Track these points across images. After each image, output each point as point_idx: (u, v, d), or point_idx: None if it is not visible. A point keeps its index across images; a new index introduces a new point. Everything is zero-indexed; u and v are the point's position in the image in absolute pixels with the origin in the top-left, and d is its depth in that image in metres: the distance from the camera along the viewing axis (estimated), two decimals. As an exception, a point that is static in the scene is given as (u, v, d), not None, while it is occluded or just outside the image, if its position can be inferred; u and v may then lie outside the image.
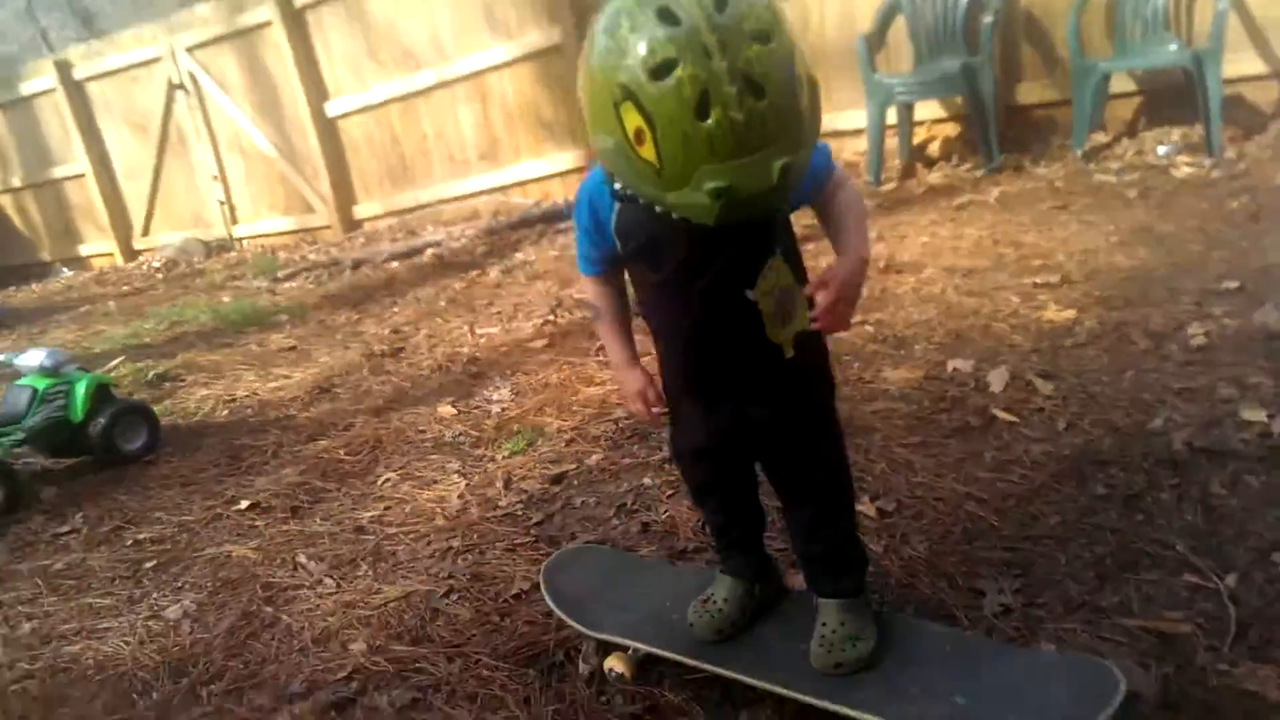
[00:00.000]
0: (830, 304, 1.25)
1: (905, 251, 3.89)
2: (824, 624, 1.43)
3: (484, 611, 1.88)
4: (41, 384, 3.08)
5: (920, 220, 4.32)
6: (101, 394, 3.18)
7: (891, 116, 5.19)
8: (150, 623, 2.14)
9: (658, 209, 1.14)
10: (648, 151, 1.02)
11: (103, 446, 3.12)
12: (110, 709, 1.82)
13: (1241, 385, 2.22)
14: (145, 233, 9.57)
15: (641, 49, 0.99)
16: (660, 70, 0.98)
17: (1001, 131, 4.99)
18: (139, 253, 9.61)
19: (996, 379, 2.49)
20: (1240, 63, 4.40)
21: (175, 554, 2.48)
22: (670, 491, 2.25)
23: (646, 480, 2.35)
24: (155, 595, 2.28)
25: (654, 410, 1.46)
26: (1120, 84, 4.81)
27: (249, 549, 2.41)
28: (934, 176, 5.02)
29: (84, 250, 10.23)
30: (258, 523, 2.57)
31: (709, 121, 0.99)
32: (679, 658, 1.50)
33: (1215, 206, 3.67)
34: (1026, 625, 1.55)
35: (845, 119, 5.53)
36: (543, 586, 1.76)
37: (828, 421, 1.45)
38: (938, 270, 3.57)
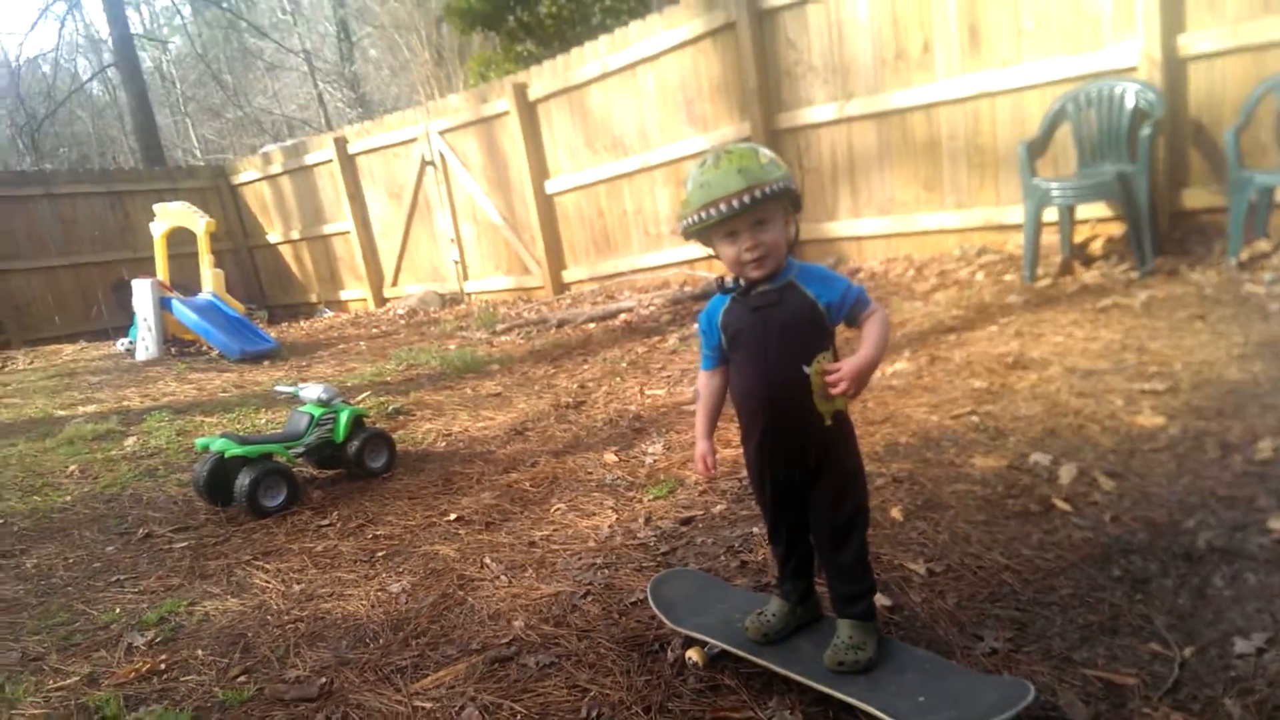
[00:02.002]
0: (839, 380, 1.82)
1: (1036, 349, 4.23)
2: (838, 636, 1.96)
3: (609, 610, 2.54)
4: (317, 412, 4.09)
5: (1061, 319, 4.61)
6: (358, 423, 4.16)
7: (1052, 215, 5.48)
8: (379, 593, 2.94)
9: (746, 303, 1.90)
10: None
11: (355, 463, 4.08)
12: (352, 646, 2.61)
13: (1283, 498, 2.50)
14: (394, 283, 11.19)
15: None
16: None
17: (1165, 233, 5.17)
18: (387, 300, 11.25)
19: (1066, 473, 2.87)
20: None
21: (399, 548, 3.31)
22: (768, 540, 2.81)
23: (754, 529, 2.92)
24: (384, 575, 3.09)
25: (709, 471, 2.10)
26: (1290, 194, 4.87)
27: (451, 549, 3.20)
28: (1090, 275, 5.25)
29: (343, 295, 12.05)
30: (460, 531, 3.37)
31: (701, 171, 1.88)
32: (737, 651, 2.08)
33: (1351, 326, 3.77)
34: (1005, 665, 2.00)
35: (1011, 214, 5.87)
36: (649, 593, 2.38)
37: (849, 480, 1.99)
38: (1060, 369, 3.90)
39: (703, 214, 1.82)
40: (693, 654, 2.18)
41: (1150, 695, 1.83)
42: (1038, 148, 5.44)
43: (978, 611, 2.24)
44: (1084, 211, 5.57)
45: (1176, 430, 3.07)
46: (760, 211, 1.82)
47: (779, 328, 1.88)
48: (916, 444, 3.37)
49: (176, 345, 8.43)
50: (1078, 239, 5.59)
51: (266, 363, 7.96)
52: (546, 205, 8.98)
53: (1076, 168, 5.42)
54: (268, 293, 13.15)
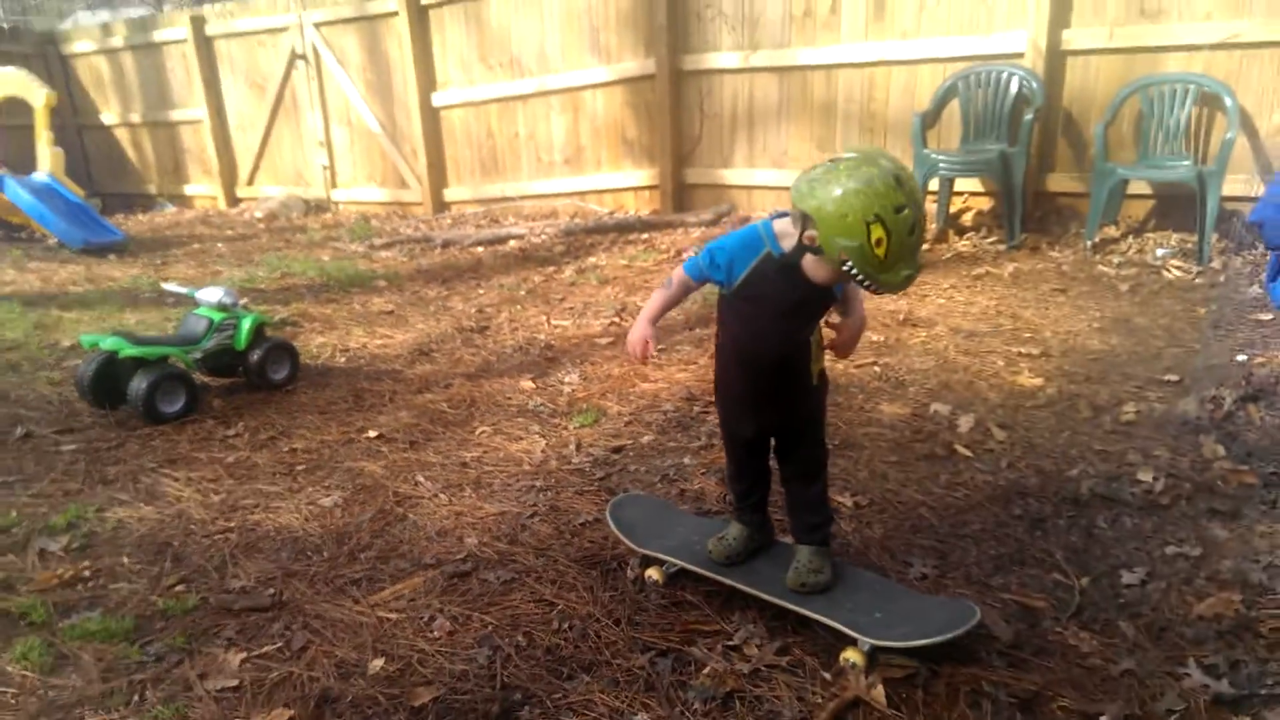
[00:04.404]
0: (843, 342, 2.02)
1: (923, 309, 4.59)
2: (798, 560, 2.16)
3: (560, 530, 2.64)
4: (217, 316, 3.89)
5: (942, 283, 5.01)
6: (260, 331, 3.98)
7: (934, 185, 5.88)
8: (310, 507, 2.91)
9: (784, 273, 1.90)
10: (880, 250, 1.73)
11: (256, 373, 3.92)
12: (294, 557, 2.59)
13: (1146, 454, 2.91)
14: (250, 183, 10.49)
15: (890, 197, 1.72)
16: (900, 210, 1.72)
17: (1028, 212, 5.67)
18: (241, 200, 10.54)
19: (965, 423, 3.20)
20: (1241, 184, 5.04)
21: (320, 463, 3.26)
22: (704, 470, 2.99)
23: (686, 460, 3.09)
24: (310, 489, 3.04)
25: (644, 357, 2.11)
26: (1139, 186, 5.46)
27: (378, 467, 3.18)
28: (962, 244, 5.70)
29: (188, 189, 11.17)
30: (383, 449, 3.34)
31: (913, 237, 1.75)
32: (699, 570, 2.24)
33: (1187, 309, 4.34)
34: (935, 588, 2.27)
35: (894, 180, 6.22)
36: (608, 515, 2.50)
37: (821, 428, 2.19)
38: (945, 329, 4.27)
39: (910, 274, 1.81)
40: (652, 573, 2.33)
41: (1059, 617, 2.14)
42: (929, 120, 5.80)
43: (904, 541, 2.50)
44: (961, 185, 6.00)
45: (1053, 391, 3.47)
46: None
47: (805, 305, 1.98)
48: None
49: (3, 228, 7.62)
50: (952, 210, 6.03)
51: (113, 257, 7.36)
52: (432, 119, 8.65)
53: (960, 143, 5.82)
54: (96, 178, 11.94)
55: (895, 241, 1.73)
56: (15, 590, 2.41)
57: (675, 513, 2.60)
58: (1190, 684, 1.88)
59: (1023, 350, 3.91)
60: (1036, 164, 5.70)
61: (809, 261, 1.87)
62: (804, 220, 1.81)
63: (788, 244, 1.90)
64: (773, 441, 2.23)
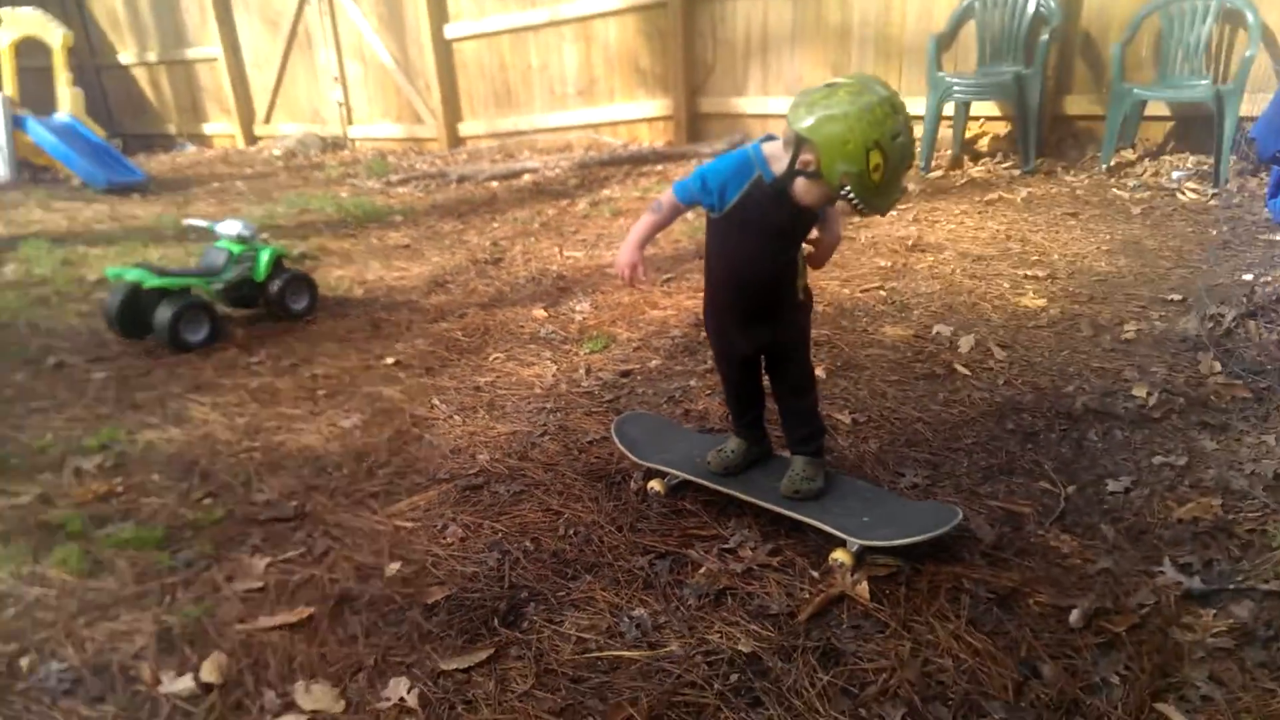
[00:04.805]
0: (820, 257, 2.13)
1: (933, 234, 4.61)
2: (792, 469, 2.26)
3: (568, 447, 2.76)
4: (236, 249, 3.99)
5: (953, 209, 5.01)
6: (278, 263, 4.09)
7: (950, 110, 5.82)
8: (330, 428, 3.04)
9: (773, 197, 1.95)
10: (877, 176, 1.80)
11: (276, 303, 4.04)
12: (316, 473, 2.72)
13: (1143, 371, 2.97)
14: (267, 121, 10.52)
15: (888, 123, 1.76)
16: (896, 136, 1.78)
17: (1044, 137, 5.61)
18: (259, 139, 10.59)
19: (965, 343, 3.26)
20: (1260, 103, 4.95)
21: (340, 388, 3.38)
22: (708, 392, 3.08)
23: (692, 383, 3.18)
24: (330, 412, 3.17)
25: (633, 280, 2.15)
26: (1156, 108, 5.38)
27: (395, 391, 3.30)
28: (976, 170, 5.67)
29: (207, 129, 11.23)
30: (400, 375, 3.46)
31: (904, 164, 1.83)
32: (698, 480, 2.35)
33: (1199, 230, 4.32)
34: (924, 495, 2.36)
35: (911, 105, 6.14)
36: (612, 431, 2.61)
37: (808, 341, 2.27)
38: (954, 254, 4.29)
39: (897, 197, 1.92)
40: (654, 484, 2.44)
41: (1043, 521, 2.23)
42: (944, 43, 5.72)
43: (898, 454, 2.59)
44: (977, 109, 5.93)
45: (1056, 311, 3.51)
46: None
47: (792, 220, 2.03)
48: (833, 313, 3.69)
49: (29, 170, 7.74)
50: (968, 135, 5.97)
51: (136, 196, 7.47)
52: (444, 51, 8.60)
53: (976, 66, 5.74)
54: (116, 119, 12.01)
55: (890, 168, 1.80)
56: (53, 504, 2.57)
57: (677, 429, 2.70)
58: (1163, 581, 1.97)
59: (1029, 273, 3.94)
60: (1053, 86, 5.62)
61: (800, 185, 1.92)
62: (798, 144, 1.85)
63: (779, 168, 1.94)
64: (763, 360, 2.30)
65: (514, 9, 8.04)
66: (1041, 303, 3.60)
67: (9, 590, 2.18)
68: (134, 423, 3.12)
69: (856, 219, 5.03)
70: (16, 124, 7.35)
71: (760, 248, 2.07)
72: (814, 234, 2.15)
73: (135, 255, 5.23)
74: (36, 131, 7.30)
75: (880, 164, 1.78)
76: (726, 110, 7.17)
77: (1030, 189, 5.19)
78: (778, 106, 6.90)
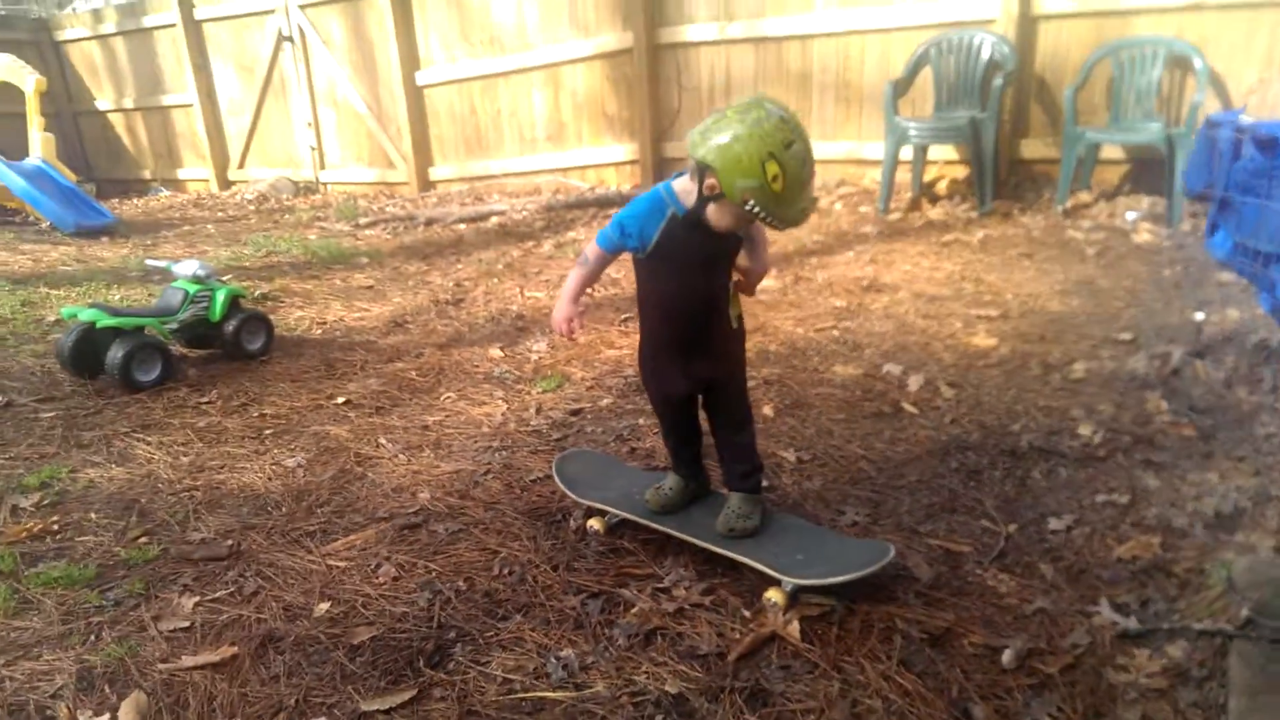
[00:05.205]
0: (749, 285, 2.13)
1: (888, 275, 4.65)
2: (728, 506, 2.24)
3: (510, 486, 2.73)
4: (192, 288, 3.97)
5: (910, 250, 5.06)
6: (234, 302, 4.06)
7: (909, 154, 5.91)
8: (274, 467, 3.00)
9: (691, 229, 1.98)
10: (778, 186, 1.81)
11: (232, 343, 4.00)
12: (255, 512, 2.68)
13: (1090, 409, 2.98)
14: (241, 166, 10.55)
15: (779, 134, 1.79)
16: (789, 145, 1.80)
17: (1002, 179, 5.70)
18: (233, 183, 10.60)
19: (914, 382, 3.27)
20: (1210, 149, 5.06)
21: (288, 427, 3.34)
22: (655, 430, 3.05)
23: (640, 421, 3.17)
24: (275, 451, 3.13)
25: (570, 334, 2.22)
26: (1111, 151, 5.49)
27: (343, 430, 3.27)
28: (935, 212, 5.75)
29: (182, 174, 11.24)
30: (350, 414, 3.43)
31: (805, 170, 1.84)
32: (636, 518, 2.32)
33: (1152, 271, 4.38)
34: (864, 533, 2.34)
35: (870, 149, 6.27)
36: (553, 469, 2.59)
37: (744, 371, 2.26)
38: (909, 294, 4.33)
39: (805, 207, 1.91)
40: (594, 523, 2.42)
41: (982, 560, 2.22)
42: (902, 88, 5.82)
43: (840, 492, 2.58)
44: (935, 152, 6.03)
45: (1006, 350, 3.53)
46: None
47: (718, 257, 2.08)
48: (785, 352, 3.70)
49: (-2, 213, 7.71)
50: (927, 178, 6.06)
51: (105, 239, 7.44)
52: (416, 97, 8.68)
53: (933, 111, 5.85)
54: (93, 164, 12.02)
55: (791, 176, 1.82)
56: (-16, 544, 2.51)
57: (619, 466, 2.68)
58: (1100, 620, 1.95)
59: (982, 313, 3.97)
60: (1010, 131, 5.74)
61: (712, 211, 1.94)
62: (701, 172, 1.88)
63: (690, 201, 1.97)
64: (701, 397, 2.29)
65: (484, 56, 8.14)
66: (992, 342, 3.63)
67: (-75, 634, 2.12)
68: (78, 461, 3.07)
69: (814, 259, 5.11)
70: (-15, 167, 7.34)
71: (688, 280, 2.08)
72: (743, 263, 2.16)
73: (98, 296, 5.19)
74: (6, 175, 7.28)
75: (778, 173, 1.81)
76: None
77: (987, 230, 5.26)
78: (743, 151, 6.99)
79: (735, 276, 2.17)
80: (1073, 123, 5.19)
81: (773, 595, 2.03)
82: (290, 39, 9.45)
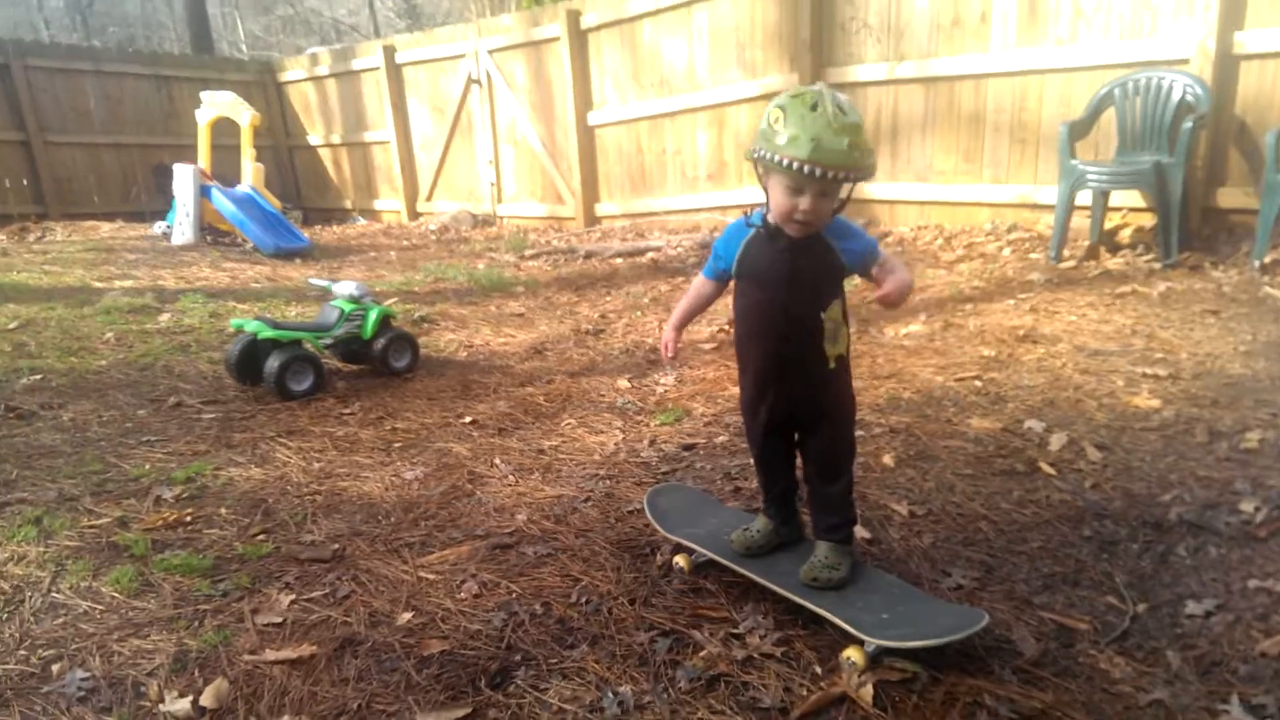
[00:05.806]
0: (885, 296, 1.95)
1: (1049, 325, 4.31)
2: (815, 554, 2.12)
3: (607, 515, 2.71)
4: (348, 307, 4.25)
5: (1079, 300, 4.68)
6: (385, 322, 4.31)
7: (1086, 198, 5.50)
8: (393, 478, 3.13)
9: (770, 241, 1.96)
10: (777, 124, 1.81)
11: (379, 360, 4.25)
12: (365, 519, 2.80)
13: (1258, 484, 2.62)
14: (429, 198, 11.29)
15: (793, 92, 1.83)
16: (797, 95, 1.83)
17: (1193, 230, 5.19)
18: (420, 214, 11.36)
19: (1056, 441, 2.99)
20: None
21: (415, 441, 3.49)
22: (765, 470, 2.96)
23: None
24: (399, 463, 3.27)
25: (671, 353, 2.30)
26: (1324, 203, 4.88)
27: (464, 448, 3.37)
28: (1113, 262, 5.29)
29: (377, 204, 12.16)
30: (474, 433, 3.54)
31: (815, 113, 1.78)
32: (719, 559, 2.24)
33: (1362, 335, 3.84)
34: (968, 599, 2.15)
35: (1045, 194, 5.89)
36: (645, 501, 2.55)
37: (844, 423, 2.13)
38: (1069, 347, 3.99)
39: (801, 167, 1.76)
40: (680, 560, 2.35)
41: (1099, 640, 1.98)
42: (1080, 130, 5.45)
43: (950, 552, 2.38)
44: (1118, 199, 5.58)
45: (1170, 414, 3.18)
46: (838, 186, 1.85)
47: (802, 274, 1.96)
48: (918, 400, 3.50)
49: (211, 234, 8.60)
50: (1108, 226, 5.61)
51: (299, 260, 8.13)
52: (587, 137, 9.01)
53: (1116, 154, 5.43)
54: (304, 194, 13.26)
55: (793, 116, 1.79)
56: (128, 527, 2.75)
57: (713, 504, 2.61)
58: (1228, 721, 1.70)
59: (1149, 371, 3.60)
60: (1204, 177, 5.23)
61: (771, 201, 1.94)
62: (757, 172, 1.95)
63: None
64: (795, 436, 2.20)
65: (652, 97, 8.34)
66: (1156, 403, 3.27)
67: (64, 601, 2.34)
68: (224, 460, 3.32)
69: (969, 305, 4.82)
70: (203, 193, 8.22)
71: (768, 297, 2.02)
72: (878, 274, 2.00)
73: (276, 312, 5.67)
74: (219, 200, 8.13)
75: (780, 116, 1.80)
76: (854, 195, 7.07)
77: (1170, 283, 4.78)
78: (905, 192, 6.76)
79: (873, 294, 2.02)
80: (1274, 170, 4.66)
81: (852, 654, 1.89)
82: (478, 81, 10.06)
